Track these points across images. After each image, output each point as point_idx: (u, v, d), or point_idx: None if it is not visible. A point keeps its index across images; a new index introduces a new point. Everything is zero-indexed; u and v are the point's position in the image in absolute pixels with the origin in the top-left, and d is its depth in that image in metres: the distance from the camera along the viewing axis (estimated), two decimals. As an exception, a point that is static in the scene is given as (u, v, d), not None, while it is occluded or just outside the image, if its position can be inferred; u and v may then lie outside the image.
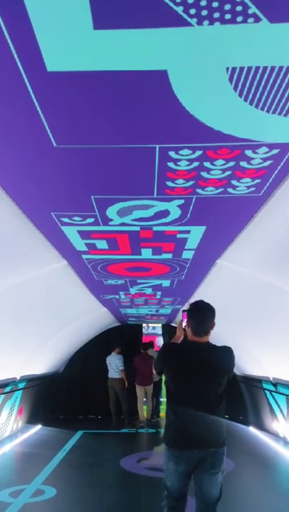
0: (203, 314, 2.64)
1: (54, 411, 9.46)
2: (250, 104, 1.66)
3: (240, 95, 1.61)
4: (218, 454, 2.49)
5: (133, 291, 5.44)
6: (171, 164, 2.12)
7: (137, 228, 3.09)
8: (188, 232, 3.18)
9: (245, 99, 1.64)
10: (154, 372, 3.11)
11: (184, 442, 2.49)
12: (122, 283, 4.96)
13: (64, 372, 9.73)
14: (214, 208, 2.72)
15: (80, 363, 9.78)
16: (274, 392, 7.08)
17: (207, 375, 2.54)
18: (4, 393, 6.35)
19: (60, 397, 9.61)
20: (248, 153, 2.03)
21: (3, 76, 1.43)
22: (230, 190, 2.44)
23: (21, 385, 7.06)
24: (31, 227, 3.06)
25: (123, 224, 2.99)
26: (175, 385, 2.63)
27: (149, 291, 5.46)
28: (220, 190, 2.44)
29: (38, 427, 8.20)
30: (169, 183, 2.33)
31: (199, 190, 2.44)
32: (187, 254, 3.83)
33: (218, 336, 7.78)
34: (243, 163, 2.13)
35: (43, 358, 7.47)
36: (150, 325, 12.83)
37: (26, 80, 1.42)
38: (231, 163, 2.13)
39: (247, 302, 5.11)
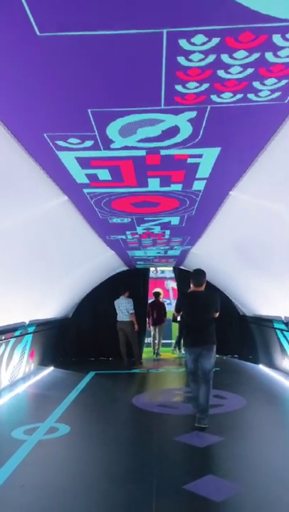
0: (199, 275, 4.75)
1: (66, 354, 9.62)
2: None
3: None
4: (211, 349, 4.61)
5: (140, 230, 5.16)
6: (181, 60, 1.75)
7: (143, 153, 2.75)
8: (200, 156, 2.83)
9: None
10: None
11: (193, 343, 4.65)
12: (128, 221, 4.68)
13: (73, 316, 9.78)
14: (231, 123, 2.36)
15: (89, 308, 9.80)
16: (285, 331, 7.01)
17: (203, 307, 4.69)
18: (14, 337, 6.35)
19: (71, 341, 9.74)
20: (277, 39, 1.64)
21: None
22: (251, 96, 2.07)
23: (31, 329, 7.06)
24: (24, 154, 2.73)
25: (127, 147, 2.65)
26: (187, 315, 4.83)
27: (157, 230, 5.18)
28: (239, 96, 2.07)
29: (50, 368, 8.35)
30: (179, 88, 1.96)
31: (214, 98, 2.07)
32: (198, 185, 3.50)
33: (230, 278, 7.62)
34: (269, 56, 1.75)
35: (50, 304, 7.42)
36: (159, 269, 12.72)
37: None
38: (255, 56, 1.75)
39: (261, 240, 4.83)
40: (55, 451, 4.06)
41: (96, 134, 2.44)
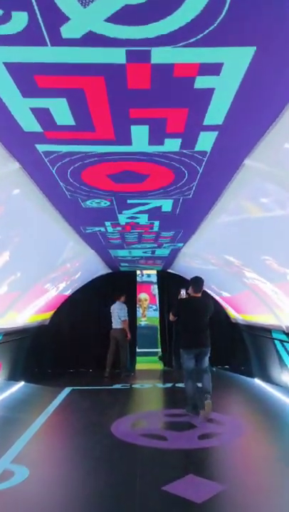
0: (198, 282, 5.09)
1: (41, 365, 8.22)
2: None
3: None
4: (206, 350, 4.99)
5: (123, 220, 3.89)
6: None
7: (122, 56, 1.50)
8: (217, 69, 1.59)
9: None
10: (171, 316, 5.33)
11: (190, 345, 4.96)
12: (106, 205, 3.40)
13: (51, 323, 8.38)
14: None
15: (69, 314, 8.42)
16: (286, 342, 5.84)
17: (200, 313, 5.03)
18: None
19: (48, 350, 8.32)
20: None
21: None
22: None
23: (-4, 340, 5.72)
24: None
25: (92, 37, 1.40)
26: (184, 319, 5.09)
27: (143, 219, 3.91)
28: None
29: (21, 384, 6.94)
30: None
31: None
32: (205, 142, 2.25)
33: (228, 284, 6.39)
34: None
35: (21, 312, 6.07)
36: (144, 272, 11.46)
37: None
38: None
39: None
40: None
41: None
